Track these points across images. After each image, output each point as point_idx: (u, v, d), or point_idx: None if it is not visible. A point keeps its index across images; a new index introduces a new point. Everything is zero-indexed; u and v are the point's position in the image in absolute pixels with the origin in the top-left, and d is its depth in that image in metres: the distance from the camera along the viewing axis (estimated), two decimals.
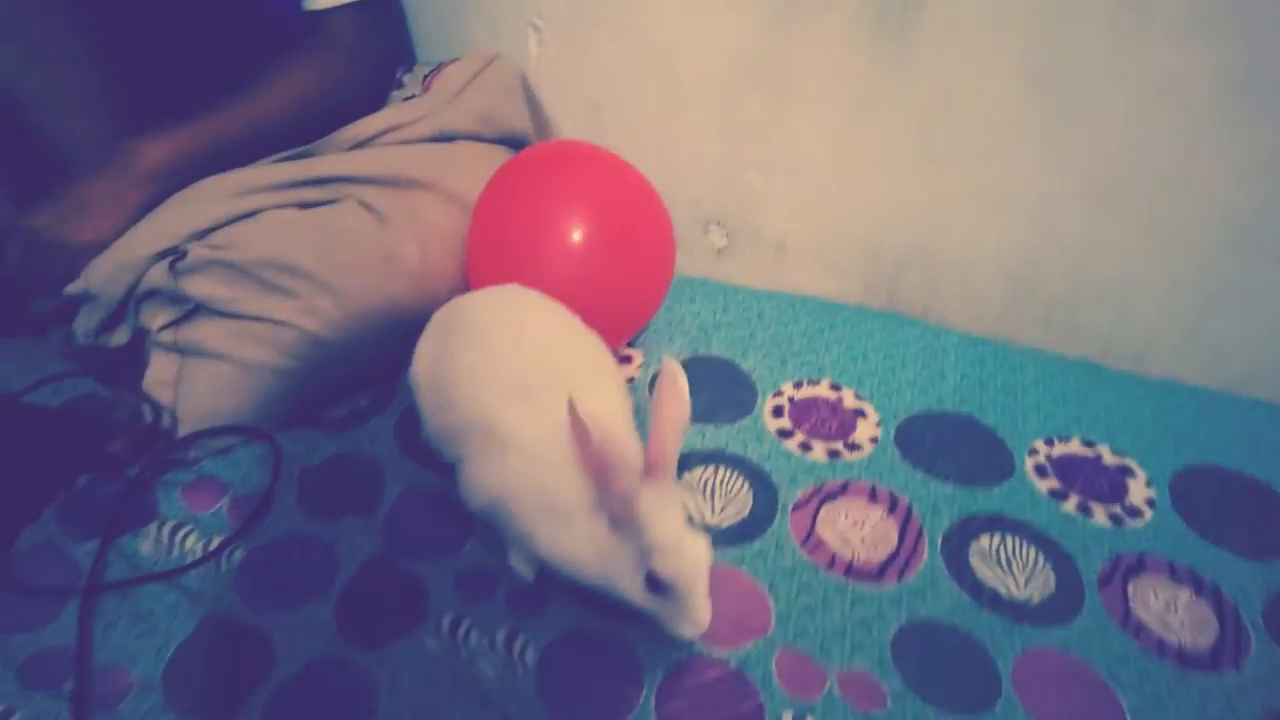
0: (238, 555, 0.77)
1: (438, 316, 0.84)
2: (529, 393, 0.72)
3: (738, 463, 0.89)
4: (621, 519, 0.65)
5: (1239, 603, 0.75)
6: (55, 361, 0.96)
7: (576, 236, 0.91)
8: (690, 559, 0.64)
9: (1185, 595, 0.76)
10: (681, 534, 0.65)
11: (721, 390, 0.98)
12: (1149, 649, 0.71)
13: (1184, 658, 0.71)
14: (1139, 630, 0.73)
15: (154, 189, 0.83)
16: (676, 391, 0.67)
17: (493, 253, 0.93)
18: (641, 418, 0.75)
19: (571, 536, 0.68)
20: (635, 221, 0.97)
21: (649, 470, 0.65)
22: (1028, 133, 1.01)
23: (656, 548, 0.63)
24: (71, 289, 0.79)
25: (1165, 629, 0.73)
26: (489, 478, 0.72)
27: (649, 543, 0.64)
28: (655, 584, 0.64)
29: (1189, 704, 0.67)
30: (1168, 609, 0.75)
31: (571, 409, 0.63)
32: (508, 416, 0.71)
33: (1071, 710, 0.67)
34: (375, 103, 0.98)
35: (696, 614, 0.65)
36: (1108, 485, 0.87)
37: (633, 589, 0.66)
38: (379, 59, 1.03)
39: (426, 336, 0.83)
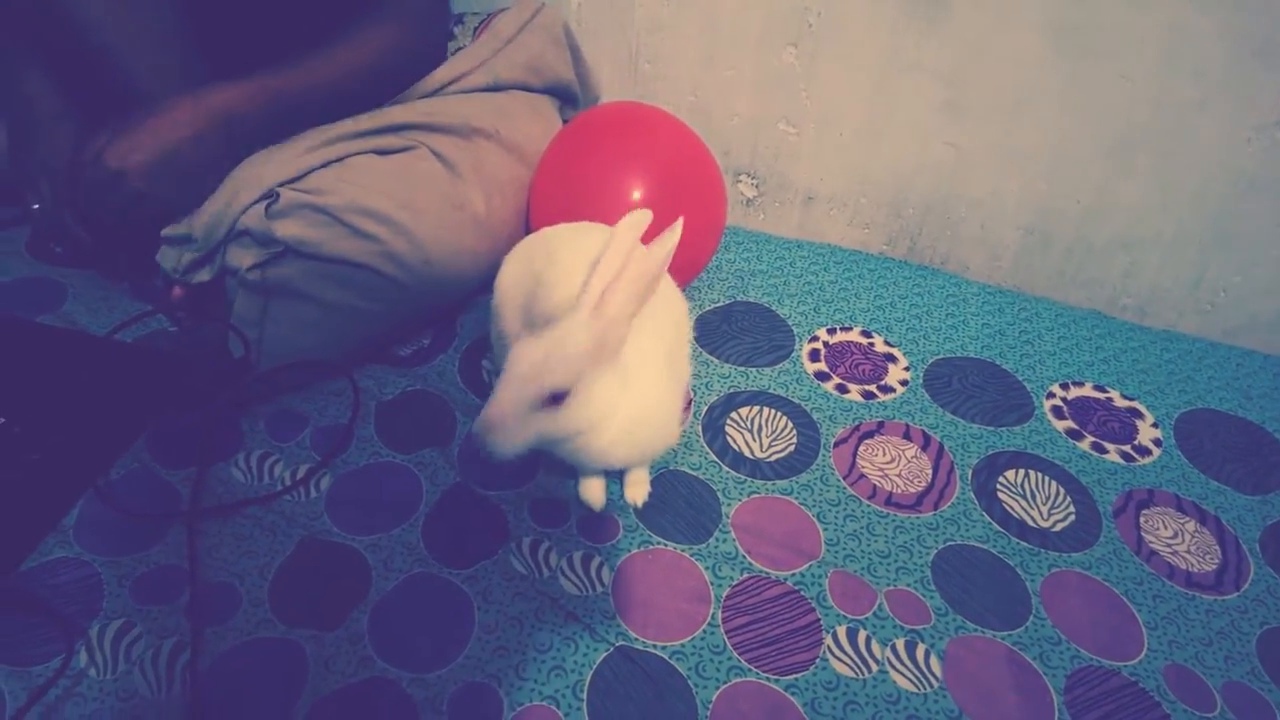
0: (325, 482, 0.82)
1: (523, 243, 0.86)
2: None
3: (780, 403, 0.95)
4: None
5: (1238, 532, 0.84)
6: (118, 299, 1.00)
7: (637, 194, 0.96)
8: None
9: (1191, 525, 0.84)
10: None
11: (761, 335, 1.04)
12: (1160, 573, 0.80)
13: (1191, 581, 0.79)
14: (1151, 556, 0.81)
15: (215, 128, 0.83)
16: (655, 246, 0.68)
17: (559, 208, 0.97)
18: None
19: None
20: (692, 182, 1.02)
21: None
22: (1048, 91, 1.06)
23: None
24: (170, 231, 0.82)
25: (1174, 555, 0.81)
26: None
27: None
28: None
29: (1198, 621, 0.76)
30: (1176, 537, 0.83)
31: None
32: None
33: (1095, 626, 0.75)
34: (437, 65, 1.00)
35: None
36: (1119, 426, 0.95)
37: None
38: (444, 24, 1.04)
39: (512, 258, 0.85)
